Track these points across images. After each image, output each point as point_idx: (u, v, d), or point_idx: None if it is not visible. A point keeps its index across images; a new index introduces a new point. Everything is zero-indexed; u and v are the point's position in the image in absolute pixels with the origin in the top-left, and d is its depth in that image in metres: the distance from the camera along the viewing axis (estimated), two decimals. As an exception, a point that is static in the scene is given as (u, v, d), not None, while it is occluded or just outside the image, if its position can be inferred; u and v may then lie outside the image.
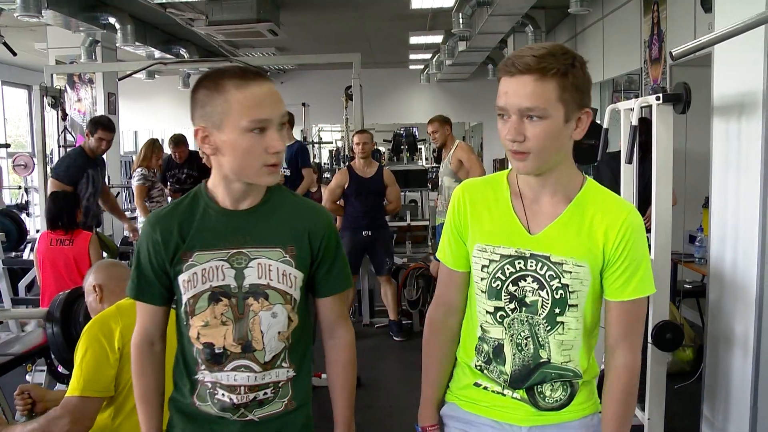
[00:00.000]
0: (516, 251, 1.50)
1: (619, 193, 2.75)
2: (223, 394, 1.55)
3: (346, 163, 6.05)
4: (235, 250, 1.52)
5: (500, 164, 12.45)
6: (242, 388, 1.55)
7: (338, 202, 5.65)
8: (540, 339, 1.50)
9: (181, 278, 1.53)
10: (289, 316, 1.56)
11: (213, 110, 1.45)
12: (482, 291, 1.55)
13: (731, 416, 3.10)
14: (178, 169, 6.72)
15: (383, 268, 5.59)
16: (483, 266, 1.54)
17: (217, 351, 1.54)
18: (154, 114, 13.85)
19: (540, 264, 1.48)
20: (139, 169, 6.18)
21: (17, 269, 5.94)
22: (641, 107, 3.04)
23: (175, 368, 1.64)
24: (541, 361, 1.51)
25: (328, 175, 10.10)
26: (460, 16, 7.33)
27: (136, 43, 8.33)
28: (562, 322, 1.49)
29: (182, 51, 9.98)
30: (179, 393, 1.62)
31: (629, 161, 3.09)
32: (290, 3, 7.85)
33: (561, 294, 1.47)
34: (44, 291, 4.18)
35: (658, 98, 2.89)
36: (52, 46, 8.84)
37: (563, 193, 1.51)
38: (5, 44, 5.31)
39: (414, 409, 1.77)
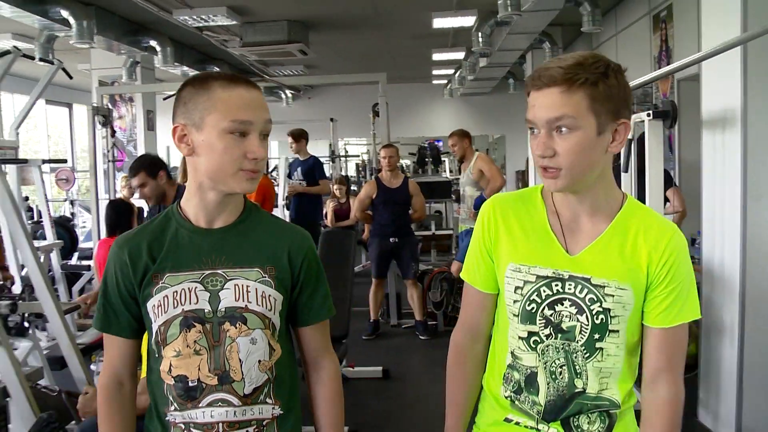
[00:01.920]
0: (554, 272, 1.40)
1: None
2: None
3: (374, 175, 6.51)
4: (209, 271, 1.41)
5: (522, 176, 12.78)
6: (220, 425, 1.40)
7: (367, 212, 6.10)
8: (577, 367, 1.40)
9: (151, 303, 1.42)
10: (270, 344, 1.44)
11: (195, 108, 1.37)
12: (515, 314, 1.44)
13: (721, 397, 3.46)
14: None
15: (409, 272, 5.99)
16: (517, 287, 1.43)
17: (191, 384, 1.40)
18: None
19: (579, 287, 1.39)
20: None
21: (70, 274, 6.50)
22: (635, 122, 3.43)
23: (147, 410, 1.52)
24: (577, 390, 1.41)
25: (356, 188, 10.54)
26: (480, 35, 7.74)
27: (174, 64, 8.88)
28: (602, 349, 1.39)
29: (216, 70, 10.52)
30: None
31: (626, 170, 3.47)
32: (319, 24, 8.31)
33: (602, 319, 1.37)
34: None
35: (648, 114, 3.28)
36: (95, 67, 9.40)
37: (603, 212, 1.42)
38: (63, 69, 5.81)
39: (437, 398, 1.76)
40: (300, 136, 7.15)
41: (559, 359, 1.41)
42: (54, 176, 10.07)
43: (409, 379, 4.94)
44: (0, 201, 2.84)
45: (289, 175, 7.44)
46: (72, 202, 10.18)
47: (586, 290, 1.38)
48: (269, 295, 1.44)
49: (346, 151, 15.03)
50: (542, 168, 1.36)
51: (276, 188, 7.21)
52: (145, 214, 5.36)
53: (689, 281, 1.39)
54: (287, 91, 13.51)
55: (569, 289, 1.39)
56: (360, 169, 13.48)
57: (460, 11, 7.67)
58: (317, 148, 10.58)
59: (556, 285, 1.40)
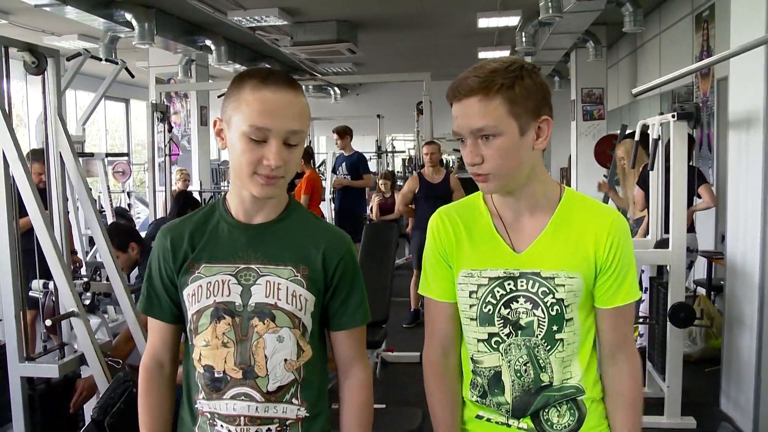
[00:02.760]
0: (504, 272, 1.43)
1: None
2: (222, 426, 1.43)
3: (417, 171, 6.76)
4: (243, 265, 1.43)
5: (566, 173, 12.85)
6: (242, 418, 1.42)
7: (410, 206, 6.36)
8: (540, 361, 1.43)
9: (186, 291, 1.45)
10: (299, 344, 1.43)
11: (228, 105, 1.38)
12: (472, 318, 1.46)
13: (741, 387, 3.61)
14: None
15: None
16: (471, 292, 1.46)
17: (216, 375, 1.42)
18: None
19: (531, 282, 1.42)
20: None
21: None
22: (661, 123, 3.60)
23: (181, 399, 1.53)
24: (543, 384, 1.44)
25: (401, 183, 10.80)
26: (524, 35, 7.92)
27: (228, 62, 9.27)
28: (561, 339, 1.42)
29: (265, 66, 10.90)
30: (184, 425, 1.52)
31: (652, 168, 3.65)
32: (367, 24, 8.59)
33: (557, 310, 1.41)
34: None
35: (674, 116, 3.45)
36: (153, 64, 9.86)
37: (542, 207, 1.46)
38: (126, 69, 6.21)
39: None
40: (344, 133, 7.49)
41: (522, 356, 1.43)
42: (111, 169, 10.59)
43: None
44: (77, 190, 3.17)
45: (334, 170, 7.76)
46: (129, 194, 10.68)
47: (537, 284, 1.42)
48: (300, 295, 1.42)
49: (393, 147, 15.30)
50: (474, 175, 1.41)
51: (323, 182, 7.54)
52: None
53: (632, 263, 1.45)
54: (335, 88, 13.83)
55: (522, 285, 1.42)
56: (406, 164, 13.72)
57: (504, 12, 7.87)
58: (364, 144, 10.88)
59: (509, 284, 1.43)
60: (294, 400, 1.44)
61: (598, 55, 8.89)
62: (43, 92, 3.27)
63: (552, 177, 1.54)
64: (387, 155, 12.57)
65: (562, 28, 7.44)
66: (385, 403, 3.75)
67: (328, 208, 7.99)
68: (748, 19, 3.49)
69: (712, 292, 5.11)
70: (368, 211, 8.30)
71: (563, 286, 1.41)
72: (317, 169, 8.57)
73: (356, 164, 7.27)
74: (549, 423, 1.46)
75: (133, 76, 6.62)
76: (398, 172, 13.72)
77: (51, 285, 3.32)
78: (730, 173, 3.75)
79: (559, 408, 1.45)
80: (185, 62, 9.59)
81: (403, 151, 15.29)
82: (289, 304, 1.42)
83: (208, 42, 8.66)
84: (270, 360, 1.41)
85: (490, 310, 1.44)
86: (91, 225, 3.33)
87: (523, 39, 7.95)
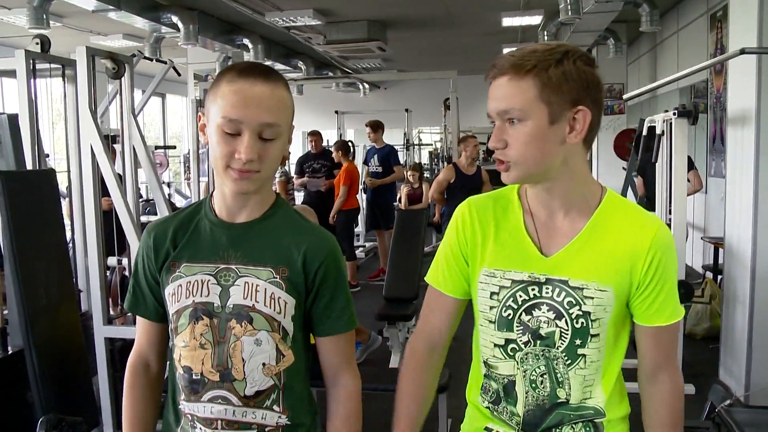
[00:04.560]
0: (530, 276, 1.34)
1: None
2: (201, 429, 1.41)
3: (452, 161, 7.22)
4: (223, 265, 1.39)
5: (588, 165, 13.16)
6: (219, 422, 1.39)
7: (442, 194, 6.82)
8: (558, 375, 1.33)
9: (167, 291, 1.42)
10: (278, 349, 1.39)
11: (208, 98, 1.35)
12: (490, 321, 1.37)
13: (736, 356, 4.02)
14: (314, 159, 7.99)
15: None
16: (492, 293, 1.36)
17: (194, 377, 1.39)
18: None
19: (557, 290, 1.32)
20: (279, 167, 7.52)
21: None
22: (664, 120, 4.01)
23: (165, 400, 1.51)
24: (559, 401, 1.34)
25: (428, 174, 11.23)
26: (546, 33, 8.28)
27: (264, 59, 9.74)
28: (584, 355, 1.32)
29: (300, 63, 11.35)
30: (168, 426, 1.50)
31: (656, 160, 4.06)
32: (396, 23, 9.00)
33: (582, 323, 1.30)
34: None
35: (674, 113, 3.85)
36: (191, 61, 10.36)
37: (579, 208, 1.35)
38: (174, 68, 6.71)
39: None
40: (377, 127, 8.01)
41: (539, 367, 1.34)
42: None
43: (468, 342, 5.61)
44: (148, 178, 3.67)
45: (366, 162, 8.23)
46: (169, 185, 11.23)
47: (564, 293, 1.31)
48: (279, 297, 1.38)
49: (420, 140, 15.72)
50: (497, 162, 1.33)
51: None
52: None
53: (674, 278, 1.34)
54: (364, 84, 14.27)
55: (546, 292, 1.32)
56: (433, 156, 14.14)
57: (527, 11, 8.23)
58: (392, 137, 11.29)
59: (533, 289, 1.33)
60: (275, 407, 1.40)
61: (618, 52, 9.21)
62: (120, 93, 3.79)
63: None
64: (414, 148, 13.00)
65: (583, 26, 7.79)
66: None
67: (360, 199, 8.47)
68: (743, 27, 3.88)
69: (719, 276, 5.49)
70: (397, 201, 8.75)
71: (592, 298, 1.30)
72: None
73: (387, 156, 7.80)
74: None
75: (179, 74, 7.13)
76: (425, 164, 14.15)
77: (125, 261, 3.85)
78: (729, 165, 4.15)
79: (574, 428, 1.36)
80: (222, 59, 10.08)
81: (430, 144, 15.72)
82: (267, 307, 1.38)
83: (245, 41, 9.13)
84: (247, 363, 1.37)
85: (510, 314, 1.35)
86: (160, 206, 3.87)
87: (546, 37, 8.31)
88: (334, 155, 7.91)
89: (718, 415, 2.78)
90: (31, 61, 3.39)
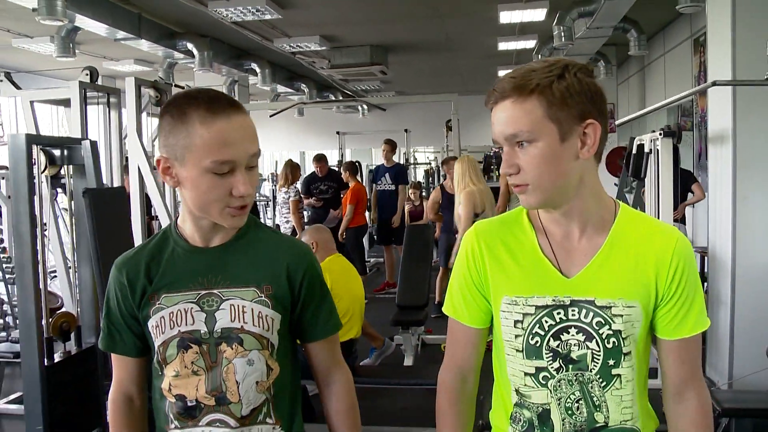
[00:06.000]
0: (554, 300, 1.29)
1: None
2: None
3: (440, 183, 7.67)
4: (205, 291, 1.39)
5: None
6: None
7: (438, 213, 7.24)
8: (595, 399, 1.29)
9: (150, 324, 1.40)
10: (267, 364, 1.41)
11: (176, 142, 1.30)
12: (517, 350, 1.33)
13: (719, 353, 4.40)
14: (320, 181, 8.33)
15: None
16: (516, 321, 1.32)
17: (189, 404, 1.39)
18: (274, 139, 15.72)
19: (584, 311, 1.28)
20: (292, 186, 7.91)
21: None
22: (651, 140, 4.42)
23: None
24: (597, 425, 1.30)
25: (425, 193, 11.64)
26: (540, 56, 8.72)
27: (271, 83, 10.17)
28: (619, 375, 1.28)
29: (302, 86, 11.78)
30: None
31: (636, 176, 4.50)
32: (396, 47, 9.44)
33: (614, 342, 1.27)
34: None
35: (660, 133, 4.27)
36: (198, 84, 10.77)
37: (596, 225, 1.32)
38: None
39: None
40: (395, 146, 8.63)
41: (574, 393, 1.30)
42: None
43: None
44: (152, 195, 4.03)
45: (375, 180, 8.60)
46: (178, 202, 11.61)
47: (591, 314, 1.28)
48: (266, 315, 1.39)
49: (415, 159, 16.12)
50: (513, 186, 1.29)
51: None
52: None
53: (698, 286, 1.32)
54: (363, 105, 14.72)
55: (573, 315, 1.29)
56: (429, 175, 14.55)
57: (522, 36, 8.68)
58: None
59: (559, 313, 1.29)
60: (268, 420, 1.42)
61: (608, 74, 9.68)
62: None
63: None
64: (412, 167, 13.39)
65: (575, 51, 8.21)
66: (425, 378, 4.55)
67: (366, 216, 8.85)
68: (720, 57, 4.32)
69: (705, 283, 5.89)
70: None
71: (621, 316, 1.27)
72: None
73: (398, 174, 8.29)
74: None
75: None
76: (421, 182, 14.56)
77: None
78: (710, 180, 4.57)
79: None
80: (229, 83, 10.49)
81: (427, 163, 16.14)
82: (256, 326, 1.39)
83: (253, 65, 9.55)
84: (242, 385, 1.38)
85: (537, 341, 1.31)
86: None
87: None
88: (343, 175, 8.31)
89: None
90: (83, 91, 3.77)
